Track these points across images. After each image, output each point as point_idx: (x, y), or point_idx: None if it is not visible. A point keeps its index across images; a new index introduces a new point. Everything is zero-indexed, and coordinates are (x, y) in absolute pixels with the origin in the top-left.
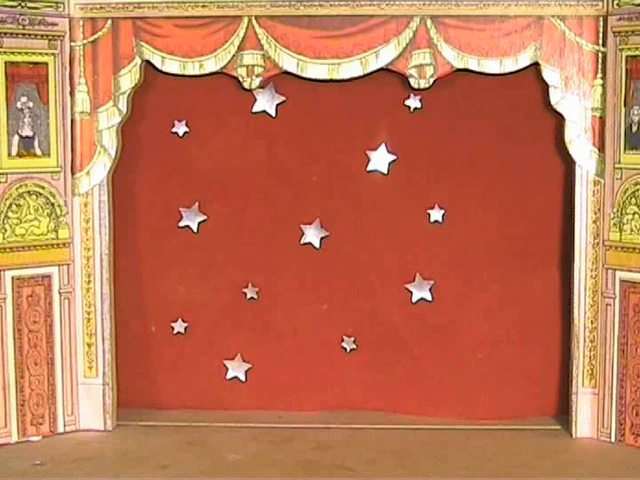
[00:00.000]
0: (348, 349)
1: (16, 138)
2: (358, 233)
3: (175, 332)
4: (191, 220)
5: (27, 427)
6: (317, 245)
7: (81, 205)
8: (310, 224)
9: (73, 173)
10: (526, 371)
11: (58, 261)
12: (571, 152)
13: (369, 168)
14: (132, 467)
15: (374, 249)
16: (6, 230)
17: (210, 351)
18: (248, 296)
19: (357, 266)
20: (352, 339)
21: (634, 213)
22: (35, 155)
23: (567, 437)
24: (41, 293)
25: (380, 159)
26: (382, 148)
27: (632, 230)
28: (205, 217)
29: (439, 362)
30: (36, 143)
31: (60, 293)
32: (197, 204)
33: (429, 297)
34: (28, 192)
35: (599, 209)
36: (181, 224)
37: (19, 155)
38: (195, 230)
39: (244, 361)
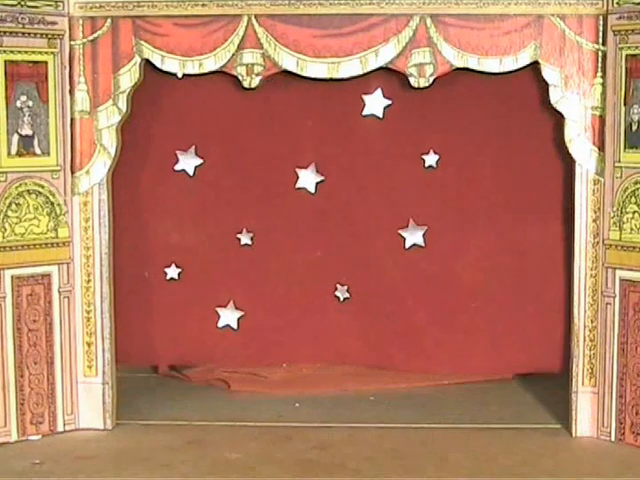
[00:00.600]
0: (342, 298)
1: (16, 137)
2: (353, 178)
3: (168, 278)
4: (187, 164)
5: (27, 426)
6: (312, 190)
7: (81, 204)
8: (305, 168)
9: (73, 172)
10: (522, 323)
11: (58, 260)
12: (571, 151)
13: (364, 113)
14: (132, 466)
15: (368, 194)
16: (6, 229)
17: (203, 298)
18: (242, 242)
19: (351, 211)
20: (345, 288)
21: (634, 212)
22: (35, 154)
23: (567, 436)
24: (41, 292)
25: (376, 103)
26: (378, 92)
27: (632, 229)
28: (202, 161)
29: (433, 312)
30: (36, 142)
31: (60, 292)
32: (194, 147)
33: (422, 243)
34: (28, 191)
35: (599, 208)
36: (177, 168)
37: (19, 154)
38: (191, 174)
39: (236, 308)
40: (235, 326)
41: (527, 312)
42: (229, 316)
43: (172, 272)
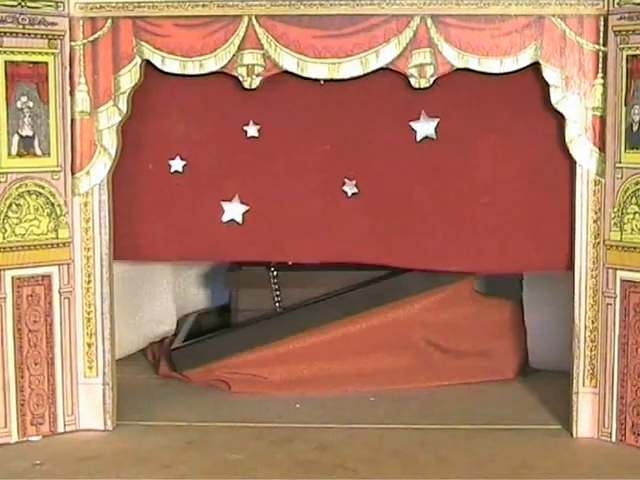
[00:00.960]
0: (350, 193)
1: (16, 138)
2: None
3: (172, 171)
4: None
5: (27, 427)
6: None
7: (81, 205)
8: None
9: (73, 173)
10: (532, 221)
11: (58, 261)
12: (572, 152)
13: None
14: (132, 467)
15: (379, 84)
16: (6, 230)
17: (207, 191)
18: (249, 134)
19: (361, 102)
20: (354, 182)
21: (635, 212)
22: (35, 155)
23: (567, 437)
24: (41, 293)
25: None
26: None
27: (633, 230)
28: None
29: (443, 208)
30: (36, 143)
31: (60, 293)
32: None
33: (434, 136)
34: (28, 192)
35: (600, 209)
36: None
37: (19, 155)
38: None
39: (242, 202)
40: (240, 221)
41: (537, 210)
42: (234, 210)
43: (176, 165)
